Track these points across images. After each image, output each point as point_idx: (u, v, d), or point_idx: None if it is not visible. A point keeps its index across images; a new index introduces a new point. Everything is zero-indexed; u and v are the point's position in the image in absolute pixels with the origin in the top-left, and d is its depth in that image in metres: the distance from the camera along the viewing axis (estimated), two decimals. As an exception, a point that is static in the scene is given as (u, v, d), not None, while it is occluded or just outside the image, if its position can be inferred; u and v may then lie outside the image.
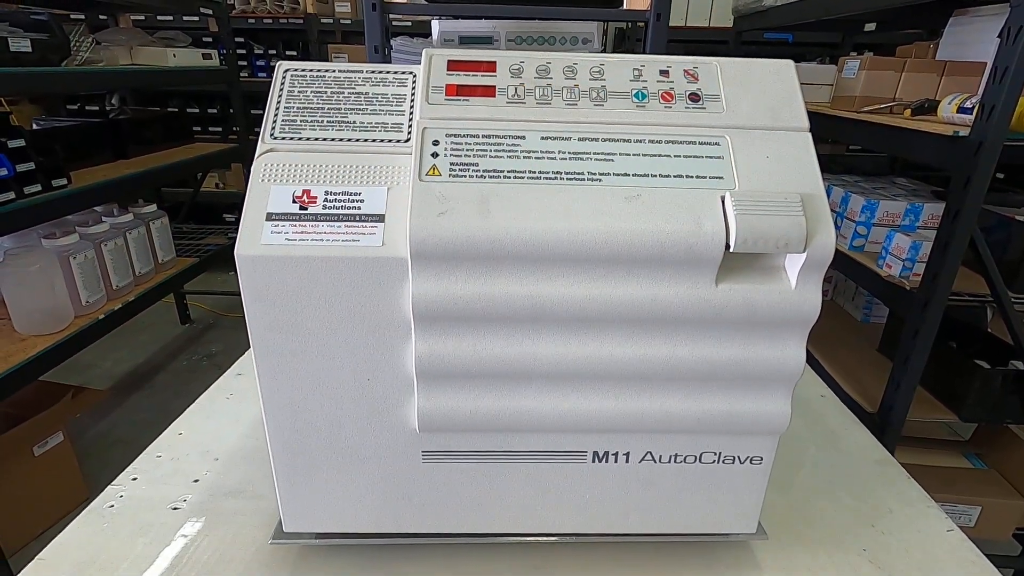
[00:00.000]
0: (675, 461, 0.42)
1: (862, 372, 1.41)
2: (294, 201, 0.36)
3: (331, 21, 2.93)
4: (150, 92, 3.09)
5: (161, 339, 2.50)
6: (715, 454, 0.42)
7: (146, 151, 1.95)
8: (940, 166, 1.09)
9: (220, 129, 3.02)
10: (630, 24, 2.88)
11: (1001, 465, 1.39)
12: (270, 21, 2.90)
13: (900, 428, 1.19)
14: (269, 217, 0.36)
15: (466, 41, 1.11)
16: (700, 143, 0.38)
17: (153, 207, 1.79)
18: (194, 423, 0.63)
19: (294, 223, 0.36)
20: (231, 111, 2.33)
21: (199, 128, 2.98)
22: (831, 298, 1.87)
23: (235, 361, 0.77)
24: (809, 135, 0.39)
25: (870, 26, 2.16)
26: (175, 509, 0.51)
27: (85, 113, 2.97)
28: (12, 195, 1.27)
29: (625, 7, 1.25)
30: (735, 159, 0.38)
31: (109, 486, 0.53)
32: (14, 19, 1.41)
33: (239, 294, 0.36)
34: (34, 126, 1.90)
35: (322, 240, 0.35)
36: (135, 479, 0.54)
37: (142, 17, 2.70)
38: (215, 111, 3.08)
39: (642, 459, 0.42)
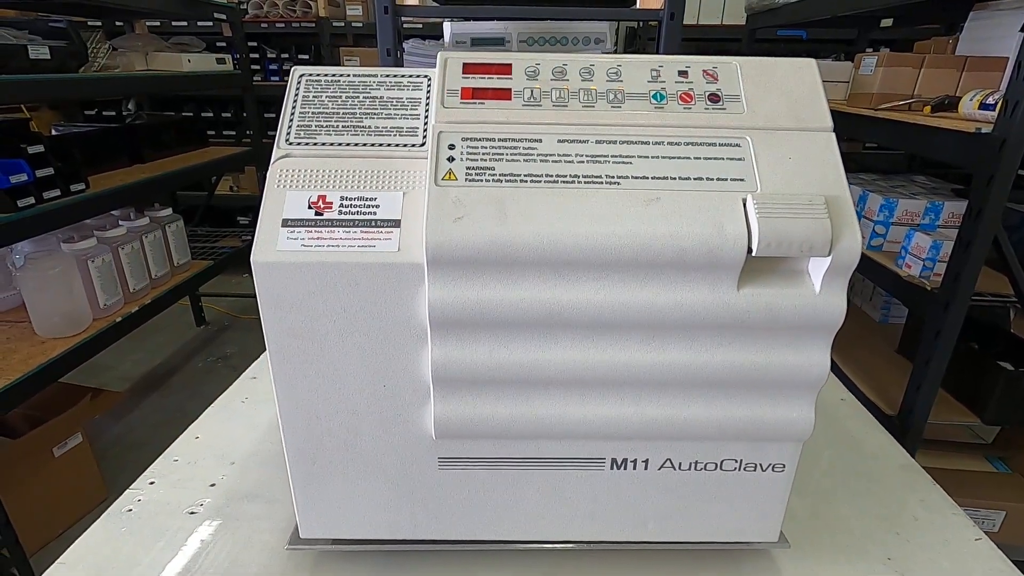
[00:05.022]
0: (695, 468, 0.41)
1: (881, 374, 1.38)
2: (310, 207, 0.36)
3: (343, 24, 2.95)
4: (165, 97, 3.13)
5: (177, 341, 2.52)
6: (736, 461, 0.41)
7: (162, 155, 1.97)
8: (962, 164, 1.07)
9: (234, 133, 3.06)
10: (641, 24, 2.86)
11: (1026, 469, 1.36)
12: (282, 25, 2.92)
13: (921, 431, 1.16)
14: (285, 223, 0.36)
15: (478, 43, 1.10)
16: (721, 144, 0.37)
17: (168, 211, 1.81)
18: (210, 427, 0.63)
19: (310, 229, 0.35)
20: (245, 115, 2.35)
21: (213, 132, 3.01)
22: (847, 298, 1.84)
23: (250, 363, 0.77)
24: (833, 135, 0.38)
25: (886, 22, 2.13)
26: (192, 513, 0.51)
27: (102, 118, 3.02)
28: (32, 200, 1.29)
29: (638, 6, 1.24)
30: (757, 160, 0.37)
31: (127, 490, 0.53)
32: (33, 27, 1.43)
33: (254, 296, 0.36)
34: (53, 132, 1.93)
35: (338, 246, 0.35)
36: (152, 483, 0.54)
37: (157, 23, 2.73)
38: (229, 115, 3.11)
39: (661, 466, 0.41)
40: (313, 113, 0.40)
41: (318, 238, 0.35)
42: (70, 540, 0.47)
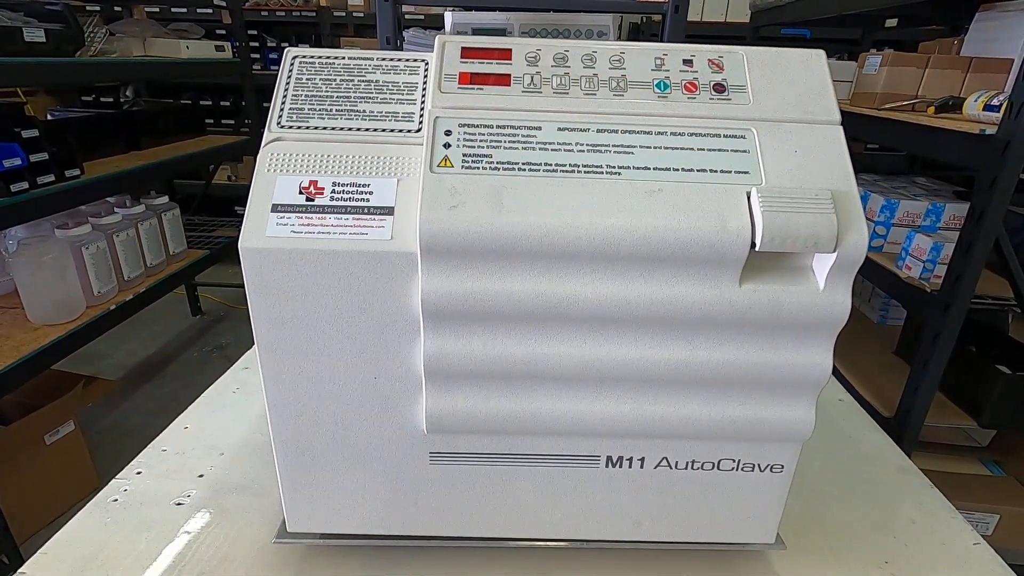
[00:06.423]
0: (692, 468, 0.40)
1: (878, 375, 1.38)
2: (300, 192, 0.35)
3: (344, 14, 2.93)
4: (163, 84, 3.11)
5: (172, 330, 2.51)
6: (734, 461, 0.40)
7: (159, 143, 1.95)
8: (965, 165, 1.06)
9: (232, 122, 3.03)
10: (644, 18, 2.84)
11: (1020, 473, 1.36)
12: (283, 14, 2.90)
13: (917, 433, 1.16)
14: (275, 208, 0.34)
15: (479, 33, 1.09)
16: (725, 136, 0.36)
17: (165, 199, 1.79)
18: (200, 417, 0.62)
19: (300, 215, 0.34)
20: (243, 104, 2.33)
21: (211, 120, 2.98)
22: (846, 299, 1.83)
23: (245, 353, 0.76)
24: (840, 129, 0.37)
25: (891, 22, 2.11)
26: (179, 505, 0.50)
27: (100, 104, 2.99)
28: (26, 185, 1.27)
29: (642, -1, 1.23)
30: (762, 153, 0.36)
31: (113, 480, 0.53)
32: (29, 9, 1.41)
33: (247, 287, 0.35)
34: (49, 117, 1.91)
35: (329, 233, 0.34)
36: (139, 473, 0.53)
37: (156, 9, 2.70)
38: (227, 104, 3.09)
39: (657, 465, 0.40)
40: (306, 96, 0.38)
41: (309, 224, 0.34)
42: (60, 529, 0.46)
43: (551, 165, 0.35)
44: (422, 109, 0.38)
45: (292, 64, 0.40)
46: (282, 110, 0.38)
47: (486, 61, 0.38)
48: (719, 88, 0.38)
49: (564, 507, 0.42)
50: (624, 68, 0.38)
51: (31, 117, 1.41)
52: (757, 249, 0.33)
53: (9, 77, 1.25)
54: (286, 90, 0.39)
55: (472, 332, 0.36)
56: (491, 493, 0.41)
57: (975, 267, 1.01)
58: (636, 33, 2.95)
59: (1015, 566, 0.48)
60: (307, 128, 0.37)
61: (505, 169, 0.35)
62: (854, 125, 1.40)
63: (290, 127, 0.37)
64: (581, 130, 0.36)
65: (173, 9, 2.74)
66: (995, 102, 1.04)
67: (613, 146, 0.36)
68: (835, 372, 1.39)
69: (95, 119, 1.79)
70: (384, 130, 0.37)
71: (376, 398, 0.38)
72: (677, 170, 0.35)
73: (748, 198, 0.34)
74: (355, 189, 0.35)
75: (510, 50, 0.39)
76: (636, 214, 0.34)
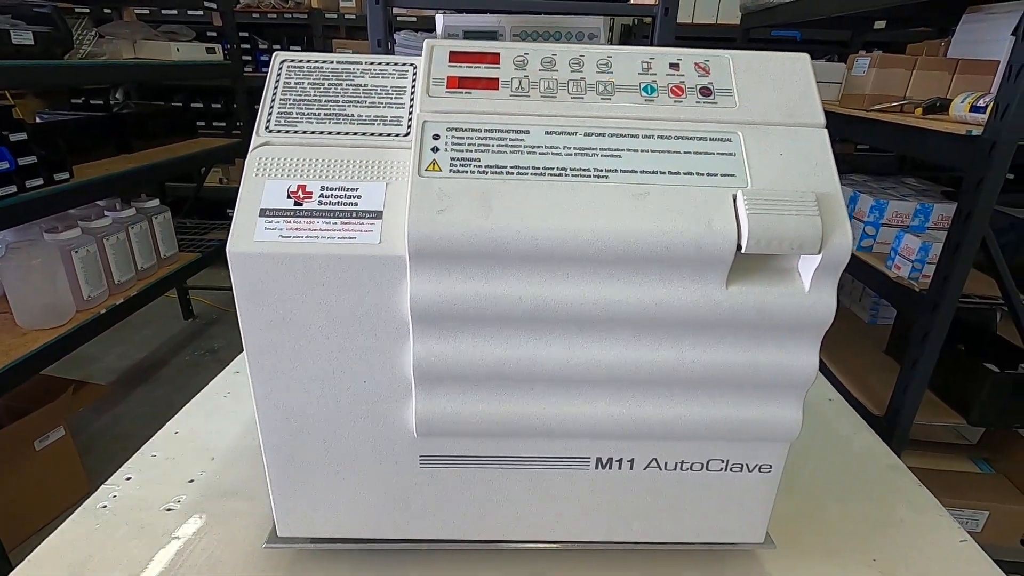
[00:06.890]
0: (681, 468, 0.40)
1: (869, 374, 1.39)
2: (289, 196, 0.35)
3: (335, 16, 2.92)
4: (154, 86, 3.09)
5: (163, 334, 2.49)
6: (722, 462, 0.40)
7: (149, 145, 1.94)
8: (952, 166, 1.08)
9: (224, 124, 3.02)
10: (636, 20, 2.85)
11: (1009, 470, 1.37)
12: (274, 16, 2.89)
13: (907, 432, 1.17)
14: (263, 213, 0.34)
15: (470, 36, 1.09)
16: (711, 139, 0.37)
17: (156, 202, 1.78)
18: (191, 421, 0.62)
19: (289, 219, 0.34)
20: (235, 106, 2.32)
21: (203, 123, 2.97)
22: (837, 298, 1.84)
23: (236, 357, 0.76)
24: (825, 131, 0.37)
25: (879, 24, 2.13)
26: (169, 510, 0.50)
27: (89, 107, 2.97)
28: (14, 188, 1.26)
29: (632, 2, 1.23)
30: (748, 156, 0.36)
31: (103, 485, 0.52)
32: (16, 12, 1.40)
33: (238, 291, 0.35)
34: (38, 120, 1.89)
35: (317, 237, 0.34)
36: (129, 478, 0.53)
37: (146, 11, 2.69)
38: (219, 106, 3.07)
39: (647, 466, 0.40)
40: (294, 100, 0.38)
41: (297, 229, 0.34)
42: (49, 536, 0.46)
43: (539, 169, 0.35)
44: (410, 113, 0.38)
45: (280, 68, 0.40)
46: (270, 114, 0.38)
47: (474, 65, 0.38)
48: (705, 91, 0.38)
49: (554, 509, 0.42)
50: (611, 72, 0.39)
51: (19, 120, 1.40)
52: (743, 251, 0.34)
53: (-3, 80, 1.24)
54: (274, 94, 0.39)
55: (461, 335, 0.36)
56: (481, 496, 0.41)
57: (963, 267, 1.02)
58: (627, 35, 2.96)
59: (1003, 563, 0.48)
60: (295, 132, 0.37)
61: (493, 173, 0.35)
62: (843, 126, 1.41)
63: (278, 131, 0.37)
64: (569, 134, 0.37)
65: (163, 11, 2.73)
66: (981, 103, 1.05)
67: (600, 149, 0.36)
68: (826, 371, 1.41)
69: (85, 122, 1.77)
70: (372, 134, 0.38)
71: (366, 402, 0.38)
72: (664, 173, 0.35)
73: (734, 200, 0.34)
74: (343, 193, 0.35)
75: (498, 54, 0.39)
76: (623, 217, 0.34)
